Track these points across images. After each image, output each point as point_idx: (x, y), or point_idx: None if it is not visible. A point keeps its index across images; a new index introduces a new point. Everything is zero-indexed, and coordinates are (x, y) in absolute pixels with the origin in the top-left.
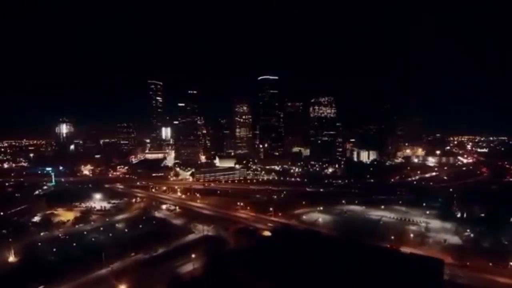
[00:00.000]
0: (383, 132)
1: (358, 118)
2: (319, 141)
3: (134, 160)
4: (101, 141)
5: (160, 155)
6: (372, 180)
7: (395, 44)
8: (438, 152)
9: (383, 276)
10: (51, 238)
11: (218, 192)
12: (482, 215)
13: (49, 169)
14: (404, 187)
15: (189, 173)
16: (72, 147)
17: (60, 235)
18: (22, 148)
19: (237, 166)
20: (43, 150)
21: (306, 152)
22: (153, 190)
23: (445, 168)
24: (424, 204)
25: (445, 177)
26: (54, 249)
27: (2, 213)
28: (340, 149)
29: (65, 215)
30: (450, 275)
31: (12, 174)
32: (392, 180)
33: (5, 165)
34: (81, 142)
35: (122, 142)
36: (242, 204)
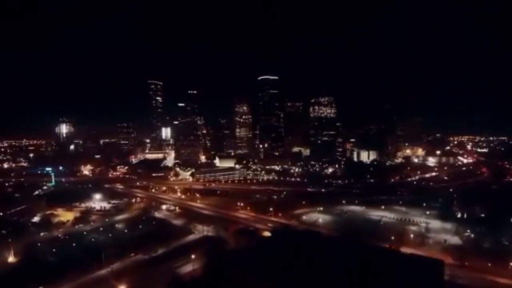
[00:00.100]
0: (383, 132)
1: (358, 118)
2: (319, 141)
3: (134, 160)
4: (101, 141)
5: (160, 155)
6: (372, 180)
7: (395, 44)
8: (438, 152)
9: (383, 277)
10: (50, 238)
11: (218, 192)
12: (482, 215)
13: (49, 169)
14: (404, 187)
15: (189, 173)
16: (72, 147)
17: (59, 235)
18: (22, 148)
19: (237, 166)
20: (43, 150)
21: (306, 152)
22: (153, 190)
23: (445, 168)
24: (424, 204)
25: (445, 177)
26: (54, 250)
27: (1, 213)
28: (340, 149)
29: (65, 215)
30: (450, 276)
31: (12, 174)
32: (392, 180)
33: (5, 165)
34: (81, 142)
35: (122, 142)
36: (242, 204)
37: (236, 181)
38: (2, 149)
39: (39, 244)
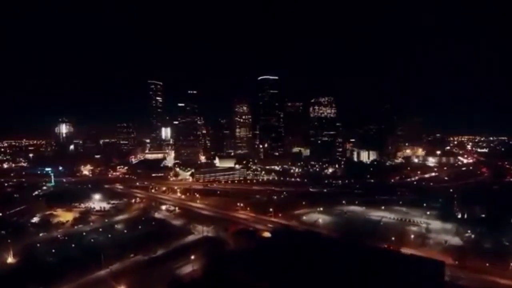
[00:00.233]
0: (383, 132)
1: (358, 118)
2: (319, 141)
3: (134, 160)
4: (101, 141)
5: (160, 155)
6: (372, 180)
7: (395, 44)
8: (438, 152)
9: (384, 278)
10: (50, 239)
11: (218, 192)
12: (483, 215)
13: (48, 169)
14: (404, 187)
15: (189, 173)
16: (71, 147)
17: (59, 236)
18: (22, 148)
19: (237, 166)
20: (43, 150)
21: (306, 152)
22: (153, 190)
23: (445, 168)
24: (424, 205)
25: (446, 178)
26: (53, 250)
27: (1, 214)
28: (340, 149)
29: (65, 216)
30: (451, 276)
31: (12, 174)
32: (392, 180)
33: (5, 165)
34: (81, 142)
35: (122, 142)
36: (242, 204)
37: (236, 181)
38: (2, 149)
39: (38, 244)
